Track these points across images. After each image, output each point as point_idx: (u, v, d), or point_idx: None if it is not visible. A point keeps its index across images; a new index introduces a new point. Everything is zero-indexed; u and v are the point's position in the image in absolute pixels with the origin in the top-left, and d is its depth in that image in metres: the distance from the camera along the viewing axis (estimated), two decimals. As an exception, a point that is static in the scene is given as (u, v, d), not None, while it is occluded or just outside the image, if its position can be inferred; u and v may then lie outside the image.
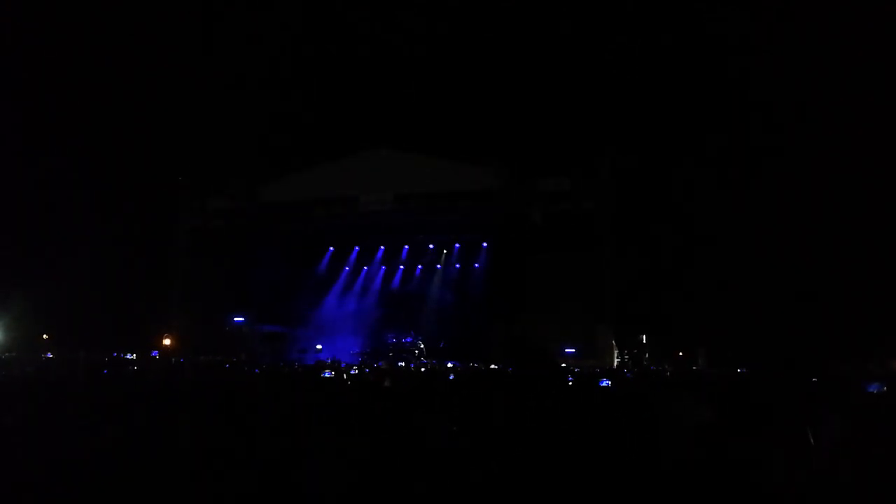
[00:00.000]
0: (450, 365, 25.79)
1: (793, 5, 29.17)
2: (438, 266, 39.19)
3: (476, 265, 37.71)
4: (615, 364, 28.65)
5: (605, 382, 14.13)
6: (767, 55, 30.38)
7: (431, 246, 38.94)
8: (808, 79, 28.93)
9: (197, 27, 35.91)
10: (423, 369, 20.80)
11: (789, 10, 29.24)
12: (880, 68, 27.22)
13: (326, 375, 16.36)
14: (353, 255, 40.14)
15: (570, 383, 11.48)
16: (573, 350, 28.42)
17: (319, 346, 35.05)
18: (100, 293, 32.21)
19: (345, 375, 16.44)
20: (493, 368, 21.45)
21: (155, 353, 29.73)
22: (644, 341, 30.77)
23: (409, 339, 34.02)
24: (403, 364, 28.63)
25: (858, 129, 27.49)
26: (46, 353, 23.29)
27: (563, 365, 20.88)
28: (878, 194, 26.78)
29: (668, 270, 30.37)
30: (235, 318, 35.37)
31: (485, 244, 36.78)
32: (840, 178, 27.81)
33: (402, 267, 40.13)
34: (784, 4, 29.60)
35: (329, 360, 27.32)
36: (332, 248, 39.61)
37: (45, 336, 31.55)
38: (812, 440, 5.53)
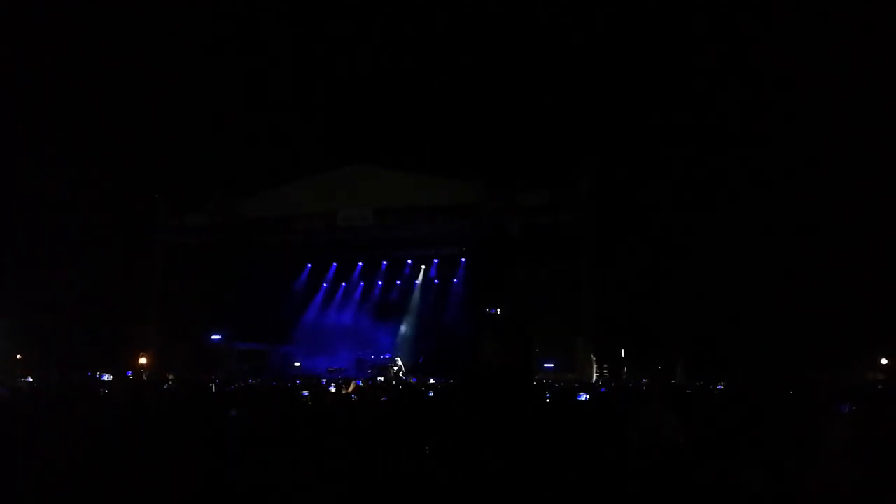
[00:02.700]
0: (432, 381, 25.63)
1: (778, 25, 29.59)
2: (417, 282, 39.13)
3: (455, 280, 37.72)
4: (594, 378, 28.63)
5: (583, 396, 14.06)
6: (748, 68, 30.79)
7: (410, 261, 38.91)
8: (788, 90, 29.33)
9: (175, 40, 35.77)
10: (399, 386, 20.60)
11: (773, 28, 29.67)
12: (866, 78, 27.65)
13: (305, 395, 16.14)
14: (332, 271, 39.99)
15: (547, 400, 11.40)
16: (552, 364, 28.37)
17: (297, 364, 34.79)
18: (75, 311, 31.78)
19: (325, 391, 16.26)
20: (471, 384, 21.30)
21: (129, 372, 29.30)
22: (623, 355, 30.83)
23: (387, 356, 33.83)
24: (383, 379, 28.44)
25: (836, 141, 27.89)
26: (25, 376, 22.88)
27: (543, 381, 20.79)
28: (858, 202, 27.10)
29: (648, 284, 30.52)
30: (213, 336, 34.98)
31: (463, 259, 36.81)
32: (819, 188, 28.15)
33: (380, 282, 40.02)
34: (768, 24, 30.03)
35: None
36: (309, 265, 39.42)
37: (18, 356, 31.03)
38: (784, 459, 5.50)
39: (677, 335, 28.58)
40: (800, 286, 26.75)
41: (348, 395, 15.33)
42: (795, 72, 28.70)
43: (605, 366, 30.22)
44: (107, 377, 27.70)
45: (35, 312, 30.51)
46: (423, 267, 38.98)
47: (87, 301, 32.52)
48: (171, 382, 18.91)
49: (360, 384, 20.81)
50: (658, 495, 5.38)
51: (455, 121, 36.55)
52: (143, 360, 33.25)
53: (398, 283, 39.73)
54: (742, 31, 31.05)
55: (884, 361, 26.98)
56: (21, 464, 6.25)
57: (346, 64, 37.46)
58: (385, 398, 12.98)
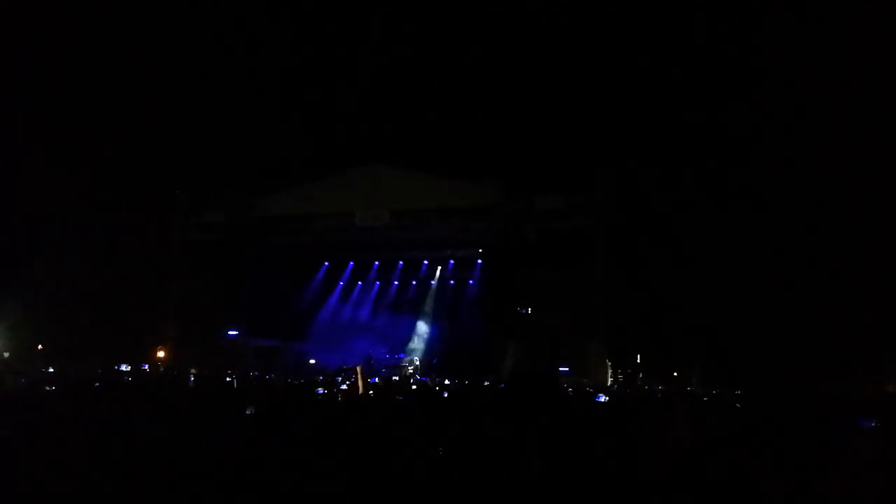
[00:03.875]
0: (447, 382, 25.66)
1: (796, 29, 29.28)
2: (433, 282, 39.18)
3: (470, 281, 37.74)
4: (609, 382, 28.52)
5: (602, 398, 14.13)
6: (766, 71, 30.50)
7: (426, 262, 38.98)
8: (807, 93, 29.00)
9: (192, 39, 36.00)
10: (413, 386, 20.66)
11: (793, 32, 29.39)
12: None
13: (320, 393, 16.22)
14: (348, 271, 40.16)
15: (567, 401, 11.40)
16: (566, 368, 28.29)
17: (312, 361, 34.91)
18: (95, 305, 32.10)
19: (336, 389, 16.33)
20: (486, 385, 21.33)
21: (145, 365, 29.55)
22: (638, 360, 30.66)
23: (402, 356, 33.90)
24: (398, 379, 28.50)
25: (856, 144, 27.58)
26: (46, 367, 23.17)
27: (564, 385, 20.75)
28: (887, 208, 26.70)
29: (663, 289, 30.32)
30: (229, 332, 35.20)
31: (479, 260, 36.82)
32: (838, 192, 27.83)
33: (396, 282, 40.13)
34: (786, 28, 29.73)
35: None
36: (326, 263, 39.62)
37: (39, 347, 31.40)
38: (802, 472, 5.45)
39: (693, 342, 28.37)
40: (821, 294, 26.45)
41: (363, 393, 15.40)
42: (827, 71, 28.36)
43: (620, 371, 30.09)
44: (125, 367, 28.11)
45: (56, 305, 30.88)
46: (438, 268, 39.06)
47: (107, 295, 32.85)
48: (193, 377, 19.11)
49: (377, 381, 20.90)
50: (674, 492, 5.37)
51: (472, 123, 36.49)
52: (160, 354, 33.54)
53: (414, 283, 39.83)
54: (770, 31, 30.77)
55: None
56: (43, 450, 6.34)
57: (365, 64, 37.52)
58: (400, 398, 13.03)
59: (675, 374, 29.09)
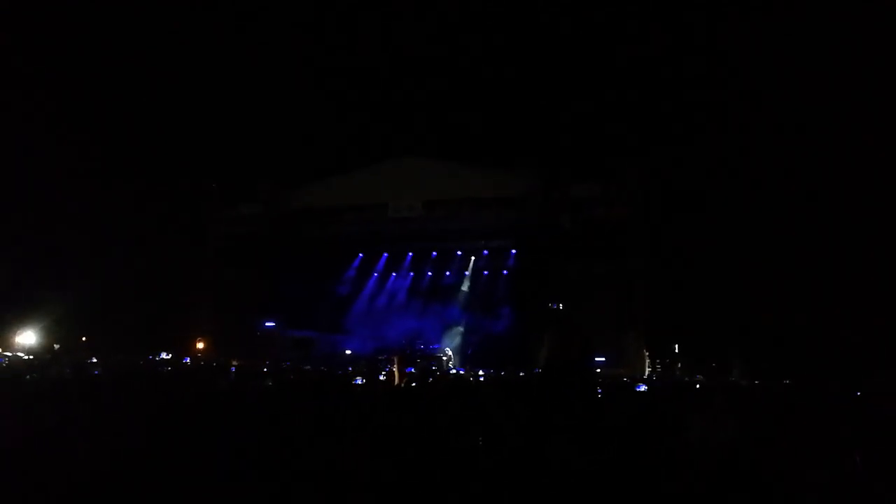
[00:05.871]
0: (481, 373, 25.69)
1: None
2: (466, 273, 39.14)
3: (504, 272, 37.61)
4: (646, 373, 28.27)
5: (642, 387, 14.07)
6: (800, 60, 29.81)
7: (459, 252, 38.93)
8: (854, 76, 28.29)
9: (228, 32, 36.33)
10: (448, 376, 20.70)
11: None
12: None
13: (358, 382, 16.32)
14: (382, 262, 40.31)
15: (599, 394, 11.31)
16: (603, 359, 28.08)
17: (348, 351, 35.14)
18: (135, 298, 32.71)
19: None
20: (521, 376, 21.29)
21: (186, 358, 30.07)
22: (676, 351, 30.31)
23: (436, 346, 33.93)
24: (436, 368, 28.58)
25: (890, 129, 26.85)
26: (90, 359, 23.73)
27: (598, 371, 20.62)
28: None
29: (702, 278, 29.89)
30: (266, 323, 35.62)
31: (513, 251, 36.67)
32: (886, 179, 27.12)
33: (430, 273, 40.17)
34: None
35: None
36: (361, 255, 39.82)
37: (83, 339, 32.12)
38: (859, 467, 5.30)
39: (733, 332, 27.94)
40: (867, 284, 25.82)
41: (399, 384, 15.46)
42: (861, 67, 27.68)
43: (658, 361, 29.78)
44: (165, 355, 28.68)
45: (98, 299, 31.50)
46: (472, 258, 38.98)
47: (147, 288, 33.44)
48: (234, 368, 19.38)
49: (412, 371, 20.97)
50: (721, 496, 5.27)
51: (505, 112, 36.29)
52: (200, 346, 34.10)
53: (447, 273, 39.81)
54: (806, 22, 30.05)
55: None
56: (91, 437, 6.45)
57: (398, 55, 37.53)
58: (436, 388, 13.04)
59: (714, 364, 28.69)
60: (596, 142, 32.98)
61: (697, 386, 15.42)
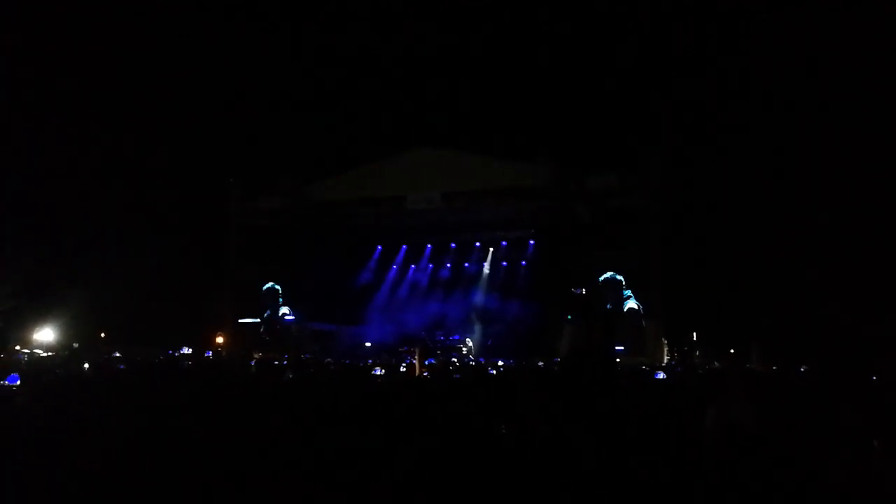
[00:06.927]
0: (500, 363, 25.81)
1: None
2: (485, 263, 39.23)
3: (523, 262, 37.65)
4: (665, 361, 28.21)
5: (661, 375, 14.10)
6: (828, 53, 29.45)
7: (478, 244, 39.02)
8: (876, 66, 27.94)
9: (245, 27, 36.50)
10: (469, 366, 20.83)
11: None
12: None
13: (377, 373, 16.48)
14: (401, 254, 40.48)
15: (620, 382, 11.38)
16: (622, 347, 28.05)
17: (368, 343, 35.35)
18: (154, 293, 33.07)
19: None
20: (539, 366, 21.36)
21: (209, 352, 30.38)
22: (695, 338, 30.20)
23: (456, 337, 34.06)
24: (456, 359, 28.77)
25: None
26: (110, 353, 24.02)
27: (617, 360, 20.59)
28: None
29: (720, 267, 29.78)
30: (286, 317, 35.85)
31: (532, 241, 36.69)
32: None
33: (449, 264, 40.30)
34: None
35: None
36: (380, 247, 40.02)
37: (102, 334, 32.50)
38: (878, 454, 5.34)
39: (752, 319, 27.83)
40: (888, 266, 25.57)
41: (420, 375, 15.63)
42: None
43: (676, 349, 29.72)
44: (186, 350, 28.94)
45: (117, 294, 31.87)
46: (491, 249, 39.05)
47: (166, 283, 33.79)
48: (255, 361, 19.60)
49: (433, 362, 21.13)
50: (738, 486, 5.34)
51: (522, 103, 36.15)
52: (219, 340, 34.32)
53: (466, 265, 39.94)
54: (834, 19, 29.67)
55: None
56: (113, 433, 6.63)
57: (414, 47, 37.45)
58: (458, 376, 13.18)
59: (733, 351, 28.58)
60: (615, 132, 32.82)
61: (716, 373, 15.42)
